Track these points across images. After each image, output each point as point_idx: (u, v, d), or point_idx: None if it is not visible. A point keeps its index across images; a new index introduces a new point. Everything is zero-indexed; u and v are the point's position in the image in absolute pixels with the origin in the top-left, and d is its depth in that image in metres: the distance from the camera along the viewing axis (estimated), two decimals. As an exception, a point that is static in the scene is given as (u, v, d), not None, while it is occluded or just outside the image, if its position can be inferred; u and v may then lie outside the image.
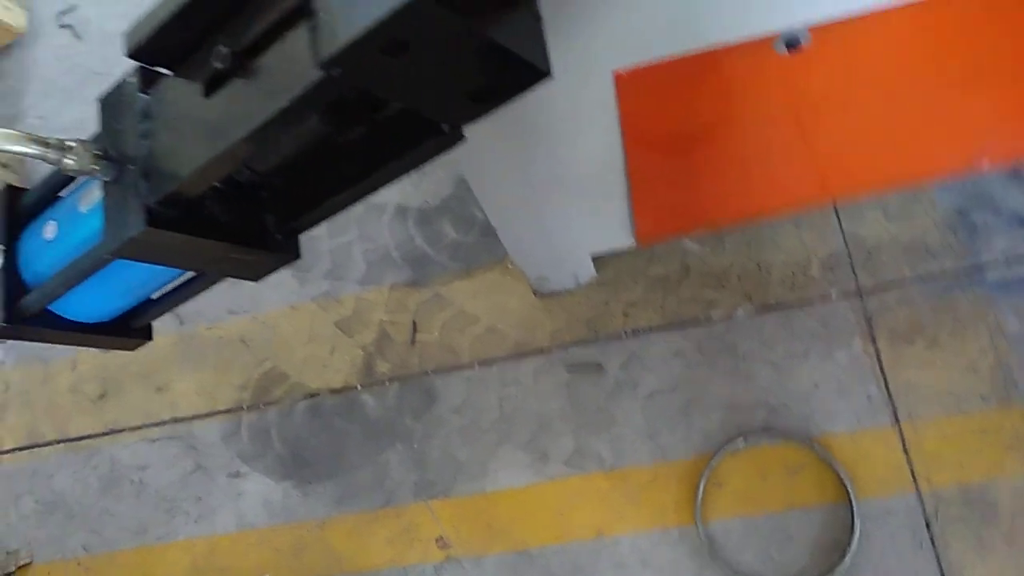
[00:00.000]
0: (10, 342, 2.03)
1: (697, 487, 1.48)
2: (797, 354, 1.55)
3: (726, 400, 1.55)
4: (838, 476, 1.43)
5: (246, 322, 1.88)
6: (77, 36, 2.31)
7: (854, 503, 1.41)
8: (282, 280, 1.89)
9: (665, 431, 1.56)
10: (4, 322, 0.94)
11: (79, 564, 1.78)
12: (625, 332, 1.65)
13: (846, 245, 1.61)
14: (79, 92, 2.22)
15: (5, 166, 2.02)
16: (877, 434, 1.47)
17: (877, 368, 1.51)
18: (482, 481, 1.62)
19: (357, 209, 1.91)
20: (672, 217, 1.54)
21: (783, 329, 1.58)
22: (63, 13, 2.35)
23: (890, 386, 1.49)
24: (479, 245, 1.81)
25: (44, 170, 0.87)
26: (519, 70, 0.70)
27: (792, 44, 1.03)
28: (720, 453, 1.50)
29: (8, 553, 1.81)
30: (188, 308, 1.91)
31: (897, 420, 1.47)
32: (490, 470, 1.62)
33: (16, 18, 2.30)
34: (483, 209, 1.33)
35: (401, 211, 1.89)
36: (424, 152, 0.79)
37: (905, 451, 1.44)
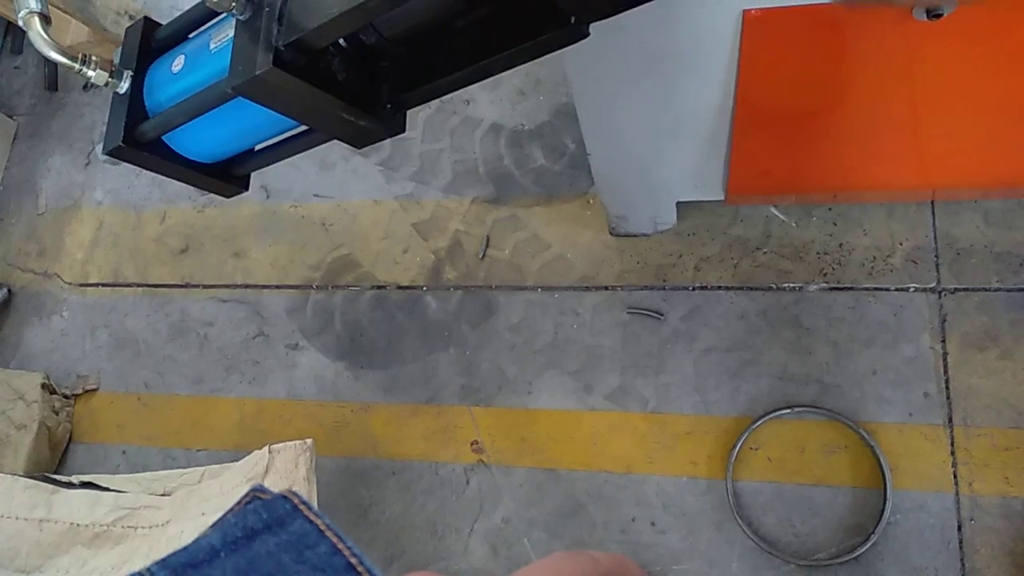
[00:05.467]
0: (111, 186, 2.14)
1: (734, 445, 1.50)
2: (861, 339, 1.54)
3: (780, 369, 1.55)
4: (878, 463, 1.43)
5: (329, 207, 1.94)
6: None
7: (888, 491, 1.40)
8: (370, 174, 1.94)
9: (713, 387, 1.57)
10: (121, 143, 1.00)
11: (139, 399, 1.90)
12: (693, 286, 1.66)
13: (935, 242, 1.57)
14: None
15: (133, 18, 2.09)
16: (927, 431, 1.45)
17: (941, 368, 1.49)
18: (524, 398, 1.66)
19: (453, 120, 1.95)
20: (767, 180, 1.52)
21: (852, 312, 1.56)
22: None
23: (951, 387, 1.47)
24: (564, 176, 1.82)
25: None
26: (658, -29, 0.70)
27: (934, 11, 1.00)
28: (764, 418, 1.50)
29: (78, 376, 1.94)
30: (276, 185, 2.00)
31: (951, 422, 1.45)
32: (534, 389, 1.66)
33: None
34: (581, 135, 1.33)
35: (495, 129, 1.91)
36: (547, 43, 0.80)
37: (952, 453, 1.43)
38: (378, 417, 1.73)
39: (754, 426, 1.50)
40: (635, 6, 0.73)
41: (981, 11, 1.01)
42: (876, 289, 1.56)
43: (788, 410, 1.50)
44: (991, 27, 1.05)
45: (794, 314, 1.58)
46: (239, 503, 0.36)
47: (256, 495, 0.36)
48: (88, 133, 2.24)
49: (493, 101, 1.92)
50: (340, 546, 0.34)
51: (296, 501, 0.35)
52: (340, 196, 1.94)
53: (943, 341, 1.50)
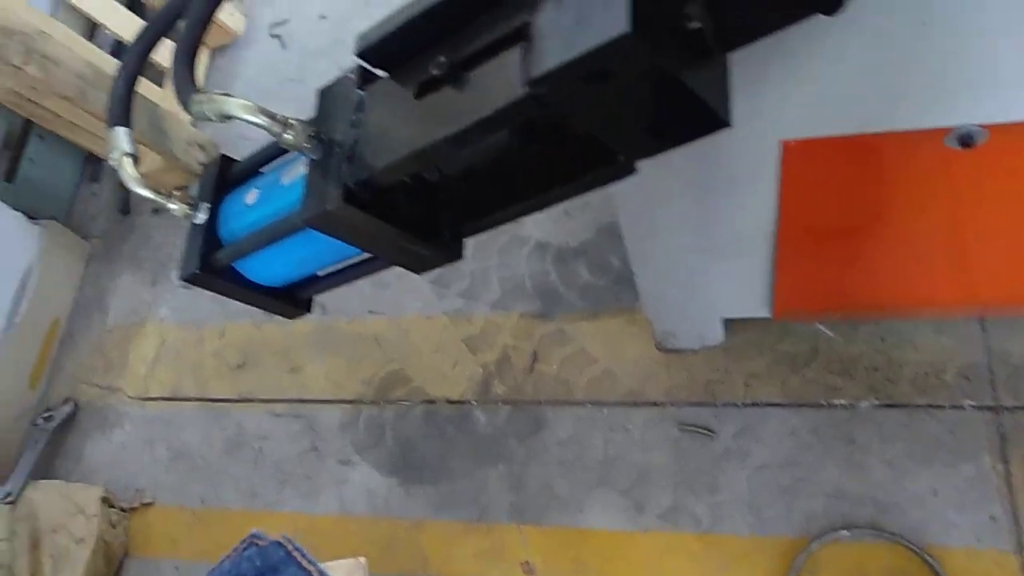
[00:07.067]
0: (176, 304, 2.24)
1: (790, 568, 1.45)
2: (917, 457, 1.50)
3: (834, 488, 1.52)
4: (944, 590, 1.37)
5: (382, 323, 2.00)
6: (283, 46, 2.56)
7: (958, 621, 1.34)
8: (422, 290, 2.00)
9: (767, 506, 1.54)
10: (197, 270, 1.07)
11: (193, 513, 1.92)
12: (743, 402, 1.65)
13: (989, 358, 1.56)
14: (276, 93, 2.44)
15: (202, 147, 2.25)
16: (996, 557, 1.40)
17: (1005, 489, 1.44)
18: (575, 516, 1.64)
19: (501, 238, 2.03)
20: (812, 297, 1.54)
21: (905, 429, 1.53)
22: (275, 24, 2.61)
23: (1018, 511, 1.42)
24: (610, 291, 1.86)
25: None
26: (702, 115, 0.75)
27: (967, 141, 1.03)
28: (821, 539, 1.46)
29: (136, 490, 1.98)
30: (333, 302, 2.07)
31: (1021, 548, 1.39)
32: (584, 507, 1.65)
33: (236, 23, 2.58)
34: (624, 256, 1.38)
35: (541, 247, 1.97)
36: (596, 178, 0.85)
37: (1023, 581, 1.37)
38: (429, 535, 1.72)
39: (811, 547, 1.46)
40: (676, 146, 0.78)
41: (1015, 139, 1.04)
42: (930, 406, 1.54)
43: (846, 532, 1.46)
44: (1026, 154, 1.08)
45: (846, 431, 1.56)
46: (236, 549, 0.38)
47: (254, 541, 0.38)
48: (156, 253, 2.36)
49: (540, 220, 2.00)
50: None
51: (289, 548, 0.37)
52: (393, 312, 2.01)
53: (1005, 461, 1.46)
